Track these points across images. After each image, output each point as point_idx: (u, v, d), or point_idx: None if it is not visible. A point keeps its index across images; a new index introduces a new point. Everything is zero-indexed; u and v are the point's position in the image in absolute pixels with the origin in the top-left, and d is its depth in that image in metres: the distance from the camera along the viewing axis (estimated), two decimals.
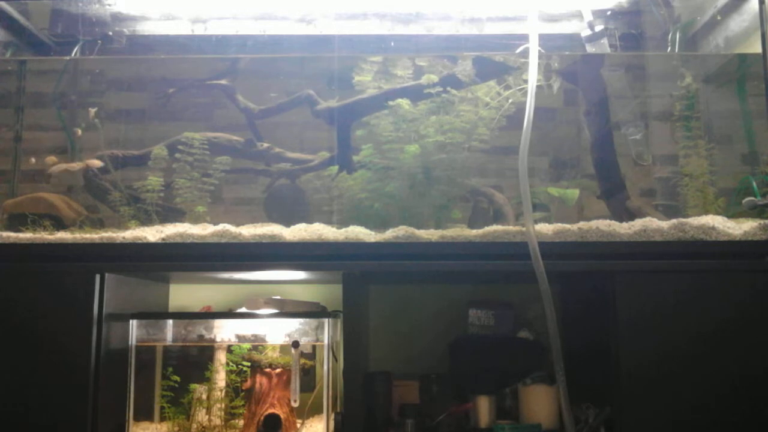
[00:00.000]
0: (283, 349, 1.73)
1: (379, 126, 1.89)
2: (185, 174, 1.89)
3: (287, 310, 1.83)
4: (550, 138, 2.16)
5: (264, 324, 1.68)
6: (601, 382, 1.60)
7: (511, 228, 1.62)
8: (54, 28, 2.19)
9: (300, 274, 1.80)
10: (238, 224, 1.70)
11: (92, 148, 2.10)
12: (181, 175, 1.90)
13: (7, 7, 2.09)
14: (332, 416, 1.62)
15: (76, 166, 1.91)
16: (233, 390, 1.70)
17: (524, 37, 1.70)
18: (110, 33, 2.13)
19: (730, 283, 1.52)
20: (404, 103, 1.84)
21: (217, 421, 1.67)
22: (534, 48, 1.63)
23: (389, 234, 1.63)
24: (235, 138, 2.06)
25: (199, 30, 2.16)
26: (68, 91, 2.27)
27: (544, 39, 1.74)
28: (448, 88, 1.85)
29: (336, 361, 1.68)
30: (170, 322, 1.69)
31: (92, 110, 2.10)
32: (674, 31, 2.05)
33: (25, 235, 1.66)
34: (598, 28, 2.02)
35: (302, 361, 1.68)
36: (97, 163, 1.85)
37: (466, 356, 1.84)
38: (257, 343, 1.71)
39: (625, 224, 1.63)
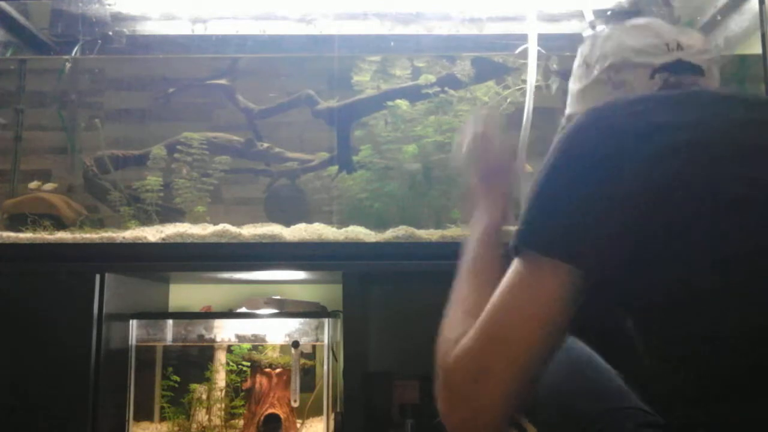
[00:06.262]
0: (283, 349, 1.74)
1: (377, 126, 1.89)
2: (185, 174, 1.90)
3: (287, 310, 1.83)
4: (550, 138, 2.16)
5: (264, 324, 1.68)
6: None
7: (511, 228, 1.61)
8: (54, 28, 2.19)
9: (300, 274, 1.80)
10: (238, 224, 1.70)
11: (92, 148, 2.11)
12: (181, 175, 1.90)
13: (7, 7, 2.09)
14: (332, 416, 1.62)
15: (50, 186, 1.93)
16: (233, 390, 1.70)
17: (524, 37, 1.70)
18: (110, 33, 2.13)
19: None
20: (403, 103, 1.84)
21: (217, 421, 1.67)
22: (533, 48, 1.63)
23: (389, 234, 1.63)
24: (235, 138, 2.07)
25: (199, 30, 2.16)
26: (68, 90, 2.28)
27: (544, 39, 1.74)
28: (446, 88, 1.85)
29: (336, 361, 1.68)
30: (170, 322, 1.69)
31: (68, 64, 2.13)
32: None
33: (25, 235, 1.66)
34: (599, 28, 2.02)
35: (302, 361, 1.68)
36: None
37: None
38: (257, 343, 1.71)
39: None
